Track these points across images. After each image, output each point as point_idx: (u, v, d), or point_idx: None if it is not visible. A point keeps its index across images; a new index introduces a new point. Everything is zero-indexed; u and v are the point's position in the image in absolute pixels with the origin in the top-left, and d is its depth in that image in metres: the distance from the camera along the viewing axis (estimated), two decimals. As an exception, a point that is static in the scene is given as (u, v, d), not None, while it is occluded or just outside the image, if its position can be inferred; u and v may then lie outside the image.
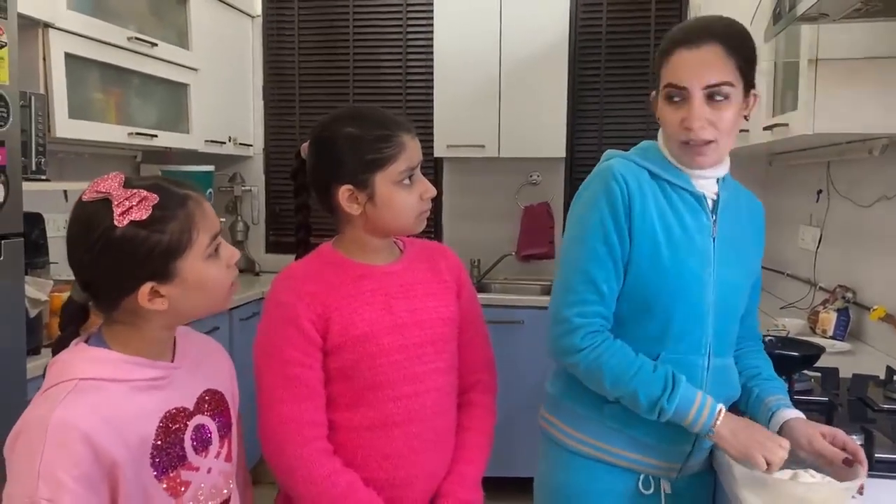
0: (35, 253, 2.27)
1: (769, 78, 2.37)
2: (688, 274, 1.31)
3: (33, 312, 1.94)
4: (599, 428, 1.38)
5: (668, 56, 1.29)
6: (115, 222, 1.00)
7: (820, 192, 2.75)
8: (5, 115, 1.76)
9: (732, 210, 1.38)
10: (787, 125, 2.12)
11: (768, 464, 1.16)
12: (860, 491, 1.15)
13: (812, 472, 1.17)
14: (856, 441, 1.24)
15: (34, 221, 2.33)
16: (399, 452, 1.33)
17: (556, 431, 1.44)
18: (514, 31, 3.44)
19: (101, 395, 1.01)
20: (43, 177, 2.29)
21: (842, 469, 1.18)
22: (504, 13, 3.44)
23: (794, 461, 1.23)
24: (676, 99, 1.29)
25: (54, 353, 1.09)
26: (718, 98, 1.26)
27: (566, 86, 3.43)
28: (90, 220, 1.02)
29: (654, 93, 1.36)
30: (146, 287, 1.03)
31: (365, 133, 1.30)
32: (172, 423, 1.08)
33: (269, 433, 1.30)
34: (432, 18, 3.55)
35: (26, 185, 1.88)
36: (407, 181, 1.32)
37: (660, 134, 1.38)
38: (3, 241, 1.76)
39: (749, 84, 1.29)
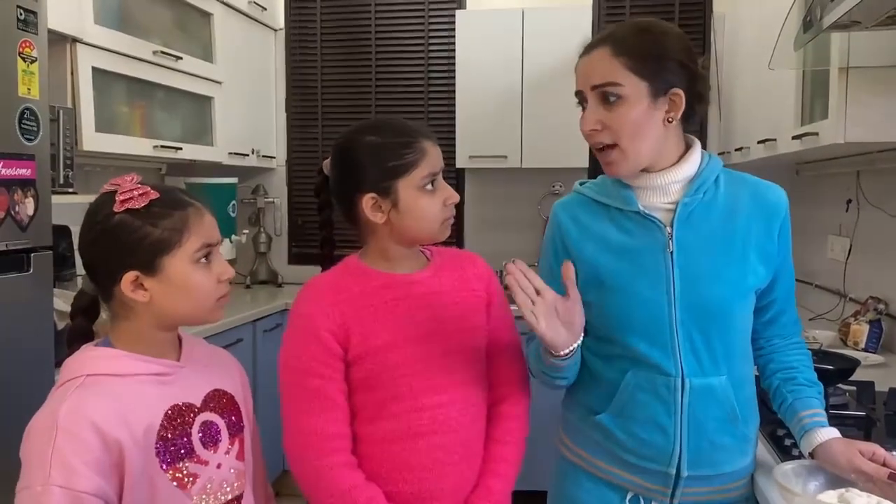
0: (62, 265, 2.28)
1: (797, 87, 2.34)
2: (636, 297, 1.27)
3: (61, 325, 1.95)
4: (587, 440, 1.37)
5: (575, 67, 1.32)
6: (115, 208, 1.09)
7: (849, 201, 2.71)
8: (35, 129, 1.78)
9: (707, 215, 1.29)
10: (816, 134, 2.09)
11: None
12: None
13: (855, 490, 1.14)
14: (896, 457, 1.20)
15: (61, 234, 2.35)
16: (424, 465, 1.32)
17: (559, 441, 1.46)
18: (536, 40, 3.43)
19: (107, 388, 1.07)
20: (70, 190, 2.31)
21: (886, 486, 1.14)
22: (526, 23, 3.44)
23: (836, 480, 1.20)
24: (583, 106, 1.30)
25: (68, 343, 1.17)
26: (611, 99, 1.24)
27: (589, 96, 3.41)
28: (98, 207, 1.12)
29: None
30: (130, 275, 1.08)
31: (386, 140, 1.31)
32: (178, 417, 1.12)
33: (291, 445, 1.30)
34: (454, 29, 3.56)
35: (54, 199, 1.90)
36: (430, 187, 1.32)
37: None
38: (32, 254, 1.78)
39: (660, 84, 1.24)
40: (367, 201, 1.31)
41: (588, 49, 1.29)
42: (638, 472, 1.31)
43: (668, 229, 1.28)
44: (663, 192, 1.31)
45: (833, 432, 1.24)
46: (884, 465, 1.16)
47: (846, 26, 1.69)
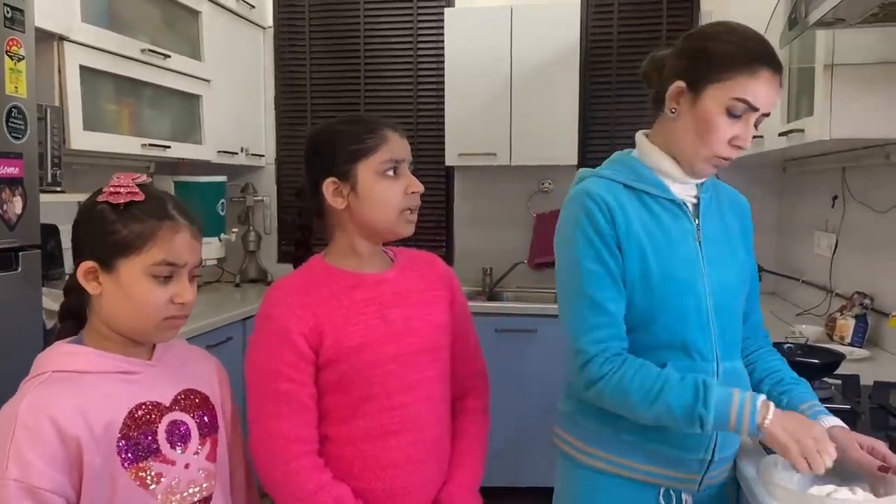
0: (51, 264, 2.27)
1: (783, 84, 2.36)
2: (679, 283, 1.29)
3: (50, 324, 1.94)
4: (615, 442, 1.35)
5: (751, 70, 1.23)
6: (98, 198, 1.12)
7: (835, 197, 2.73)
8: (23, 127, 1.77)
9: (715, 210, 1.39)
10: (802, 131, 2.10)
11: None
12: None
13: (856, 489, 1.14)
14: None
15: (50, 233, 2.34)
16: (396, 462, 1.33)
17: (571, 448, 1.41)
18: (524, 38, 3.44)
19: (70, 384, 1.07)
20: (59, 188, 2.30)
21: (879, 479, 1.16)
22: (515, 21, 3.44)
23: (839, 474, 1.20)
24: (737, 114, 1.25)
25: (60, 319, 1.19)
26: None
27: (577, 93, 3.42)
28: (94, 193, 1.15)
29: (680, 85, 1.28)
30: (87, 263, 1.11)
31: (349, 128, 1.35)
32: (144, 416, 1.12)
33: (258, 448, 1.30)
34: (443, 27, 3.56)
35: (42, 197, 1.89)
36: (391, 173, 1.33)
37: (641, 143, 1.38)
38: (20, 253, 1.77)
39: None
40: (329, 186, 1.33)
41: (776, 67, 1.26)
42: (675, 465, 1.33)
43: (696, 220, 1.35)
44: (689, 185, 1.36)
45: (835, 420, 1.28)
46: (883, 461, 1.18)
47: (831, 24, 1.71)
